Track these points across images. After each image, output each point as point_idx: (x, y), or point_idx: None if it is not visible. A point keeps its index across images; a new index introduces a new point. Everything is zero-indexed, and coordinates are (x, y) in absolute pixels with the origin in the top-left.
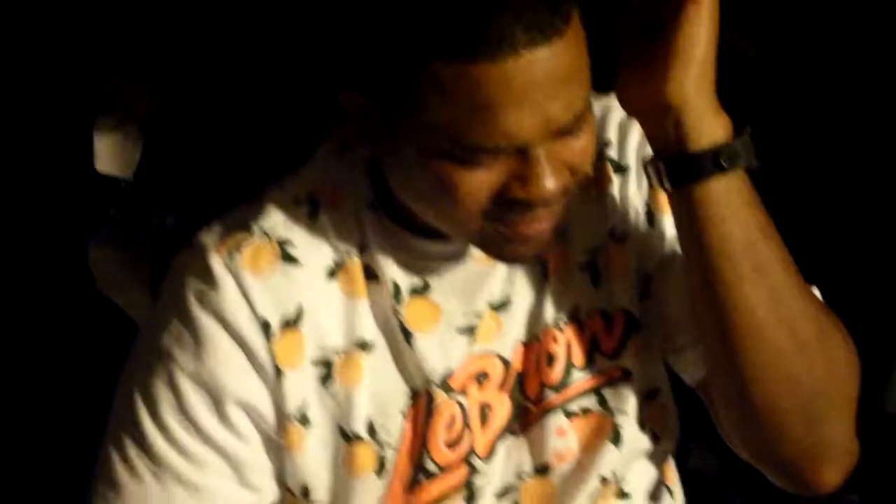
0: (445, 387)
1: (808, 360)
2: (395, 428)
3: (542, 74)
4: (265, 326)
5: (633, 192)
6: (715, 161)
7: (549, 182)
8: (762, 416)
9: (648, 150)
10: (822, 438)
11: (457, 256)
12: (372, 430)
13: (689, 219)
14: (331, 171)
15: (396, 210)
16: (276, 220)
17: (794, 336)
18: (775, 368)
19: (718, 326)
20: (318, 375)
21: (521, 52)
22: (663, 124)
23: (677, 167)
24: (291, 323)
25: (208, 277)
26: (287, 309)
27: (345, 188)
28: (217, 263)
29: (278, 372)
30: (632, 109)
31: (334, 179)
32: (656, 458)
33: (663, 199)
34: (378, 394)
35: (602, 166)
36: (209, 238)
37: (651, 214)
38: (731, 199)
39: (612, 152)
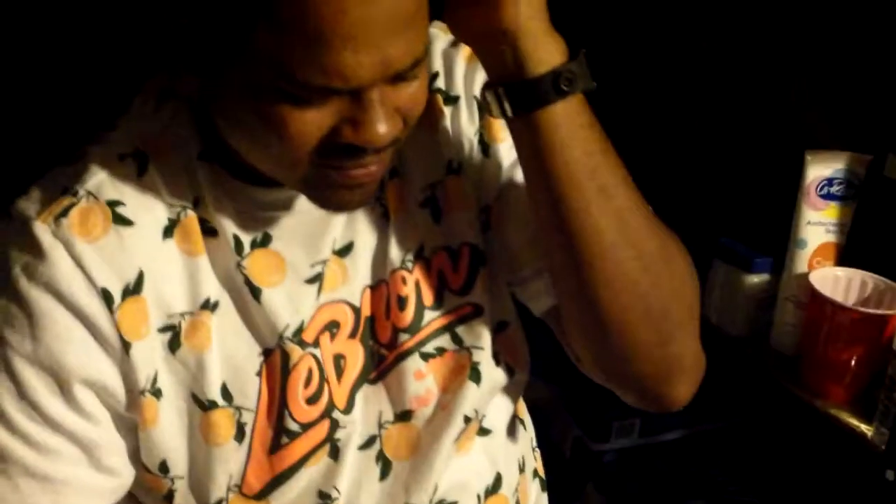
0: (299, 341)
1: (654, 277)
2: (252, 390)
3: (382, 13)
4: (105, 296)
5: (465, 122)
6: (555, 85)
7: (382, 127)
8: (614, 335)
9: (477, 78)
10: (672, 353)
11: (296, 204)
12: (227, 394)
13: (531, 145)
14: (153, 123)
15: (228, 158)
16: (101, 180)
17: (640, 255)
18: (623, 288)
19: (566, 252)
20: (164, 342)
21: None
22: (500, 50)
23: (517, 94)
24: (132, 289)
25: (35, 249)
26: (126, 275)
27: (170, 139)
28: (43, 232)
29: (125, 344)
30: (465, 37)
31: (158, 131)
32: (511, 391)
33: (496, 128)
34: (229, 356)
35: (432, 98)
36: (29, 206)
37: (485, 144)
38: (571, 123)
39: (441, 83)
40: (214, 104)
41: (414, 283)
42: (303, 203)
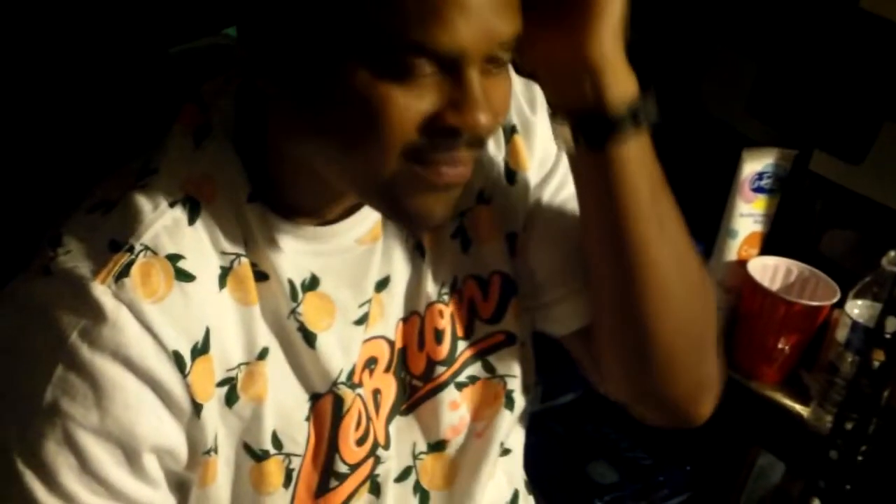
0: (351, 384)
1: (699, 302)
2: (301, 436)
3: None
4: (177, 359)
5: (492, 148)
6: (634, 119)
7: (483, 109)
8: (660, 359)
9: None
10: (703, 374)
11: (342, 241)
12: (278, 442)
13: (599, 179)
14: (196, 164)
15: (276, 198)
16: (156, 232)
17: (689, 283)
18: (675, 315)
19: (623, 281)
20: (222, 397)
21: None
22: (580, 84)
23: (594, 128)
24: (201, 349)
25: (95, 313)
26: (194, 334)
27: (217, 182)
28: (103, 294)
29: (196, 407)
30: (541, 65)
31: (202, 172)
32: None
33: (522, 156)
34: (279, 403)
35: None
36: (77, 264)
37: (511, 172)
38: (642, 156)
39: None
40: (280, 116)
41: (450, 316)
42: (348, 240)
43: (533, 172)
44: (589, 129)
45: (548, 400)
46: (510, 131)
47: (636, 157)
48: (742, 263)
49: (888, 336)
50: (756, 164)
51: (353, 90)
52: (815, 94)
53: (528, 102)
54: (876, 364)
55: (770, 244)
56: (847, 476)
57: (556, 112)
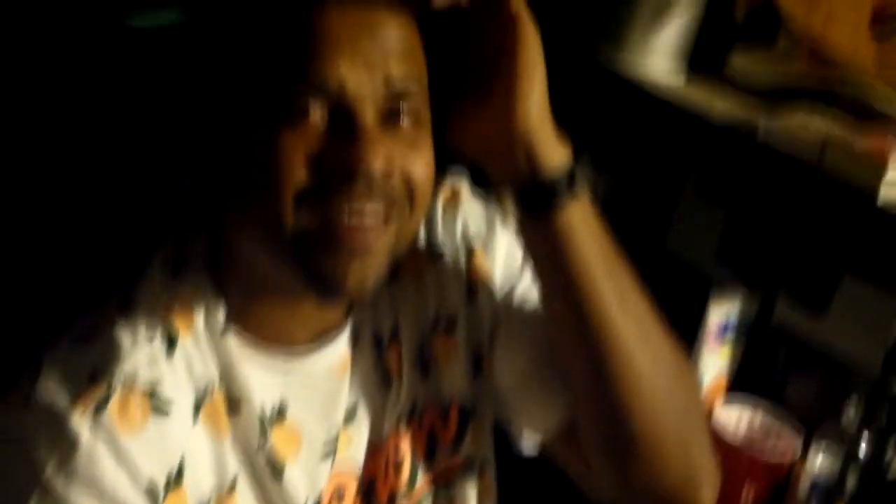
0: None
1: (672, 381)
2: None
3: (379, 27)
4: (151, 492)
5: (450, 273)
6: (570, 184)
7: (374, 151)
8: (642, 443)
9: (457, 222)
10: (694, 461)
11: (314, 369)
12: None
13: (548, 249)
14: (174, 295)
15: (248, 324)
16: (134, 366)
17: (657, 358)
18: (648, 392)
19: (590, 363)
20: None
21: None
22: (513, 156)
23: (532, 198)
24: (175, 480)
25: (71, 443)
26: (169, 465)
27: (193, 311)
28: (81, 426)
29: None
30: (472, 146)
31: (179, 304)
32: None
33: (483, 274)
34: None
35: (415, 254)
36: (56, 395)
37: (472, 292)
38: (587, 221)
39: (422, 235)
40: (227, 230)
41: (409, 444)
42: (319, 369)
43: (496, 287)
44: (529, 200)
45: None
46: (469, 252)
47: (579, 222)
48: (707, 413)
49: (849, 492)
50: (722, 314)
51: (253, 144)
52: (780, 246)
53: (486, 222)
54: None
55: (735, 387)
56: None
57: (498, 187)
